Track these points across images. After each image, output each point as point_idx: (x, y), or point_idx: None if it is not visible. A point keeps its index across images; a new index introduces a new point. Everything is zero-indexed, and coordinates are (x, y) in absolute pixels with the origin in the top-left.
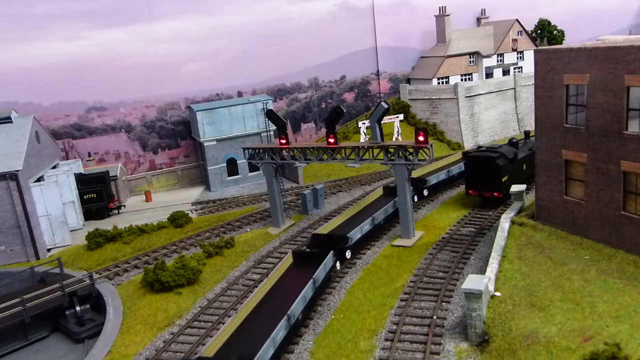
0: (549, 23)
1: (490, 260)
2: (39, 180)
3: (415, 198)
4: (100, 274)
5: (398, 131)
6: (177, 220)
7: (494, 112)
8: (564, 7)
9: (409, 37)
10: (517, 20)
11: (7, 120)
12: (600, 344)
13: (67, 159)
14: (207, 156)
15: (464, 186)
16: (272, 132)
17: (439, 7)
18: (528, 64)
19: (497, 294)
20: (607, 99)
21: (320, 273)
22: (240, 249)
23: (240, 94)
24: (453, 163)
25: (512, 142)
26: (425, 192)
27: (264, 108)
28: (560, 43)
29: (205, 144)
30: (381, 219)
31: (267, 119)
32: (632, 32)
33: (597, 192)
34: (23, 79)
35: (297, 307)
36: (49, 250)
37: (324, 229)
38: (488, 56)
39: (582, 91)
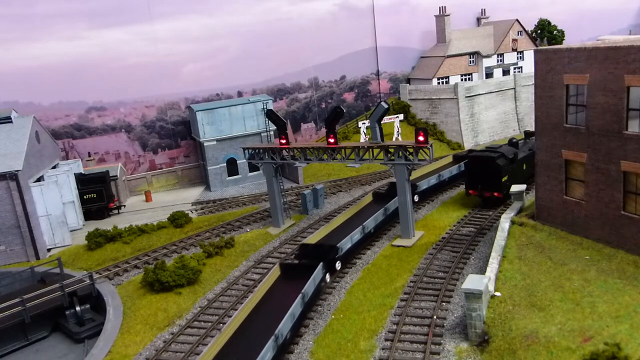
0: (549, 23)
1: (490, 260)
2: (39, 180)
3: None
4: (100, 274)
5: (398, 131)
6: (177, 220)
7: (494, 112)
8: (564, 7)
9: (409, 37)
10: (517, 20)
11: (7, 120)
12: (600, 344)
13: (67, 159)
14: (207, 156)
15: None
16: (272, 132)
17: (439, 7)
18: (528, 64)
19: (497, 294)
20: (607, 99)
21: (309, 287)
22: (240, 249)
23: (240, 94)
24: (444, 167)
25: (512, 142)
26: (416, 198)
27: (264, 108)
28: (560, 43)
29: (205, 144)
30: (372, 227)
31: (267, 119)
32: (632, 32)
33: (597, 192)
34: (23, 79)
35: (285, 326)
36: (49, 250)
37: (313, 238)
38: (488, 56)
39: (582, 91)
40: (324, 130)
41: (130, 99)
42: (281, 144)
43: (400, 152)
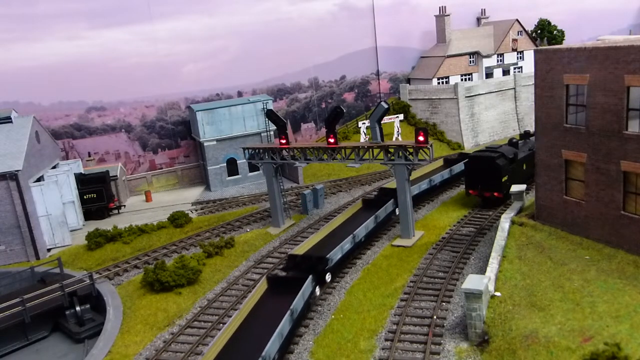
0: (549, 23)
1: (490, 260)
2: (39, 180)
3: (397, 211)
4: (100, 274)
5: (398, 131)
6: (177, 220)
7: (494, 112)
8: (564, 7)
9: (409, 37)
10: (517, 20)
11: (7, 120)
12: (600, 344)
13: (67, 159)
14: (207, 156)
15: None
16: (272, 132)
17: (439, 7)
18: (528, 64)
19: (497, 294)
20: (607, 99)
21: (298, 302)
22: (240, 249)
23: (240, 94)
24: (434, 171)
25: (512, 142)
26: None
27: (264, 108)
28: (560, 43)
29: (205, 144)
30: (362, 235)
31: (267, 119)
32: (632, 32)
33: (597, 192)
34: (23, 79)
35: (272, 346)
36: (49, 250)
37: (301, 248)
38: (488, 56)
39: (582, 91)
40: (324, 130)
41: (130, 99)
42: (281, 144)
43: (400, 152)
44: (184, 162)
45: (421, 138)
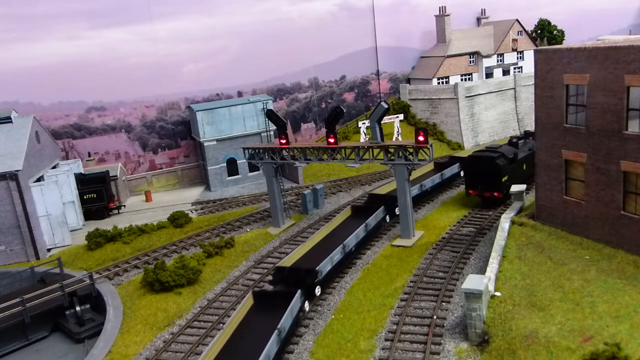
0: (549, 23)
1: (490, 260)
2: (39, 180)
3: (387, 218)
4: (100, 274)
5: (398, 131)
6: (177, 220)
7: (494, 112)
8: (564, 7)
9: (409, 37)
10: (517, 20)
11: (7, 120)
12: (600, 344)
13: (67, 159)
14: (207, 156)
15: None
16: (272, 132)
17: (439, 7)
18: (528, 64)
19: (497, 294)
20: (607, 99)
21: (286, 320)
22: (240, 249)
23: (240, 94)
24: (424, 176)
25: (512, 142)
26: (397, 211)
27: (264, 108)
28: (560, 43)
29: (205, 144)
30: (352, 245)
31: (267, 119)
32: (632, 32)
33: (597, 192)
34: (23, 79)
35: None
36: (49, 250)
37: (289, 260)
38: (488, 56)
39: (582, 91)
40: (324, 130)
41: (130, 99)
42: (281, 144)
43: (400, 152)
44: (184, 162)
45: (421, 138)
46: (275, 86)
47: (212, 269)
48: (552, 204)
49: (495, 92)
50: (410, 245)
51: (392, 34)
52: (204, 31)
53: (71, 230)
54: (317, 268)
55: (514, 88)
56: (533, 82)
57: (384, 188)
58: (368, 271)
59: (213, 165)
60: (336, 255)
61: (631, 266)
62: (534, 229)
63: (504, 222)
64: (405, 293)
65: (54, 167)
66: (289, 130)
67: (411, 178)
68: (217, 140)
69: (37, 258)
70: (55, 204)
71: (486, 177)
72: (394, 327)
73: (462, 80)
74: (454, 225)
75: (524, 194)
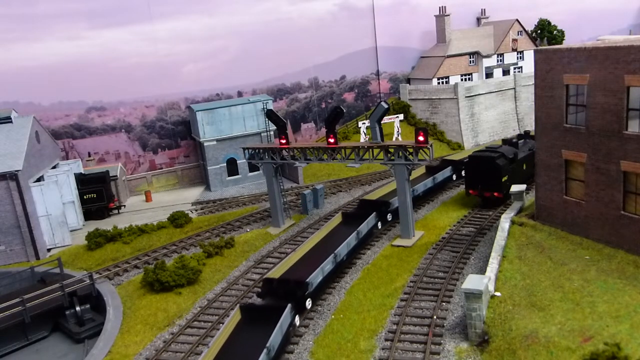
0: (549, 23)
1: (490, 260)
2: (39, 180)
3: (379, 225)
4: (100, 274)
5: (398, 131)
6: (177, 220)
7: (494, 112)
8: (564, 7)
9: (409, 37)
10: (517, 20)
11: (7, 120)
12: (600, 344)
13: (67, 159)
14: (207, 156)
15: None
16: (272, 132)
17: (439, 7)
18: (528, 64)
19: (497, 294)
20: (607, 99)
21: (276, 337)
22: (240, 249)
23: (240, 94)
24: (415, 180)
25: (511, 142)
26: (390, 217)
27: (264, 108)
28: (560, 43)
29: (205, 144)
30: (344, 254)
31: (267, 119)
32: (632, 32)
33: (597, 192)
34: (23, 79)
35: None
36: (49, 250)
37: (278, 270)
38: (488, 56)
39: (582, 91)
40: (324, 130)
41: (130, 99)
42: (281, 144)
43: (400, 152)
44: (184, 162)
45: (421, 138)
46: (275, 86)
47: (212, 269)
48: (552, 204)
49: (495, 92)
50: (410, 245)
51: (392, 34)
52: (204, 31)
53: (71, 230)
54: (307, 280)
55: (514, 88)
56: (533, 82)
57: (375, 193)
58: (368, 271)
59: (213, 165)
60: (327, 265)
61: (631, 266)
62: (534, 229)
63: (504, 222)
64: (405, 293)
65: (54, 167)
66: (289, 130)
67: None
68: (217, 140)
69: (37, 258)
70: (55, 204)
71: (486, 177)
72: (394, 327)
73: (462, 80)
74: (454, 225)
75: (524, 194)
